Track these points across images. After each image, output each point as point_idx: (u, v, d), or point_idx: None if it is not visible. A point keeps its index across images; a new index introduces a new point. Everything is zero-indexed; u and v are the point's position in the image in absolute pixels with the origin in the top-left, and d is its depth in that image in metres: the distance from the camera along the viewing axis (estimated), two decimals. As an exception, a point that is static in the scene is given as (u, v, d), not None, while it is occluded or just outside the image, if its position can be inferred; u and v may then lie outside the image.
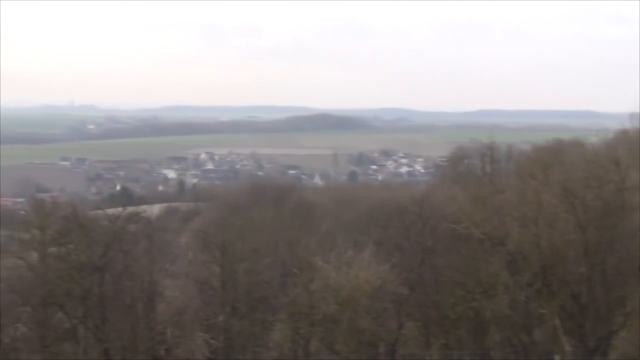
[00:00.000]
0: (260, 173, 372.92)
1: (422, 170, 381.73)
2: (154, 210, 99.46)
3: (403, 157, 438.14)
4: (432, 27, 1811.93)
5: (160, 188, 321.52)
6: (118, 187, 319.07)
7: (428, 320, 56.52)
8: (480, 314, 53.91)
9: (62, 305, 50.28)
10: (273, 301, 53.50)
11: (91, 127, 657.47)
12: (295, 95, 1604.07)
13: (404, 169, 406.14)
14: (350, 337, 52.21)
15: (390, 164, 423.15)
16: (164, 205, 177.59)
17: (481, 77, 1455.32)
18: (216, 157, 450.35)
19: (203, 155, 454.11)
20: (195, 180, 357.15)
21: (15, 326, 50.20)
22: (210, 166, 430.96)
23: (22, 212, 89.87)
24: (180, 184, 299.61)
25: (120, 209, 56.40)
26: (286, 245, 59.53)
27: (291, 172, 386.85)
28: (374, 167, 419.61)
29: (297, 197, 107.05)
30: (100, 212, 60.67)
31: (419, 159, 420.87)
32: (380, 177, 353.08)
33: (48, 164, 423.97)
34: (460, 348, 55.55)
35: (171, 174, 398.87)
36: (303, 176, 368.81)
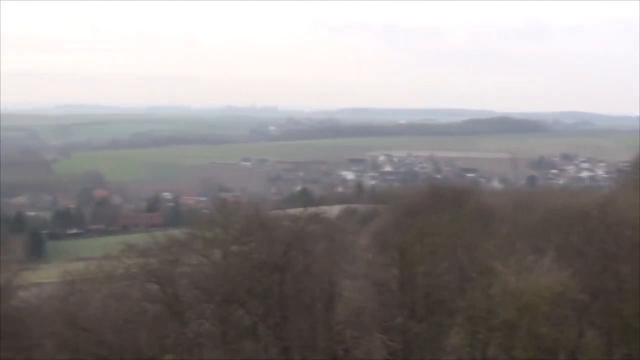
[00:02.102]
0: (438, 176, 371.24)
1: (604, 175, 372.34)
2: (333, 211, 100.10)
3: (584, 162, 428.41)
4: (614, 27, 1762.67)
5: (339, 189, 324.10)
6: (298, 188, 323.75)
7: (610, 328, 54.98)
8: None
9: (244, 303, 51.18)
10: (451, 305, 53.03)
11: (272, 128, 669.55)
12: (474, 98, 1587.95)
13: (585, 174, 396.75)
14: (529, 343, 51.25)
15: (571, 168, 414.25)
16: (343, 206, 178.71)
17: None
18: (394, 159, 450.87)
19: (381, 158, 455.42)
20: (373, 182, 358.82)
21: (198, 322, 51.39)
22: (388, 168, 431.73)
23: (205, 211, 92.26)
24: (359, 185, 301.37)
25: (300, 210, 57.04)
26: (465, 248, 58.87)
27: (469, 175, 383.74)
28: (554, 171, 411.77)
29: (475, 201, 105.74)
30: (280, 212, 61.42)
31: (601, 164, 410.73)
32: (560, 182, 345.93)
33: (230, 164, 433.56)
34: (644, 358, 53.83)
35: (349, 175, 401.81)
36: (481, 179, 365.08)
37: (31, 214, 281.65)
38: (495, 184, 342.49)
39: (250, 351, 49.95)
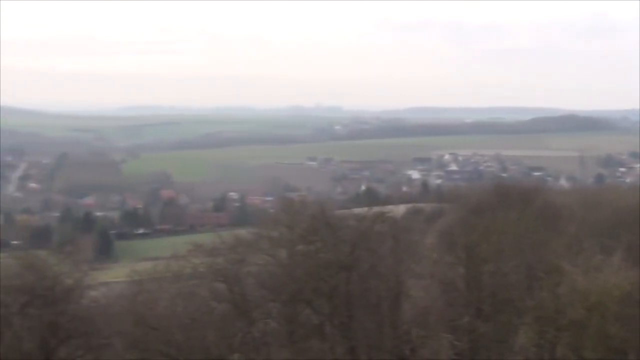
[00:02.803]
0: (504, 174, 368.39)
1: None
2: (399, 210, 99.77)
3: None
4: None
5: (405, 188, 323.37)
6: (363, 187, 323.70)
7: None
8: None
9: (310, 302, 51.32)
10: (518, 304, 52.62)
11: (337, 128, 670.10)
12: (540, 96, 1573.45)
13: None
14: (598, 343, 50.65)
15: (639, 167, 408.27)
16: (409, 205, 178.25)
17: None
18: (460, 158, 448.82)
19: (447, 157, 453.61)
20: (439, 181, 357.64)
21: (265, 321, 51.67)
22: (454, 167, 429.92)
23: (272, 211, 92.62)
24: (424, 184, 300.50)
25: (366, 209, 57.04)
26: (532, 247, 58.38)
27: (536, 173, 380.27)
28: (622, 169, 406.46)
29: (542, 199, 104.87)
30: (346, 211, 61.52)
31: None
32: (628, 180, 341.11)
33: (296, 164, 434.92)
34: None
35: (415, 174, 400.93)
36: (548, 178, 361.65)
37: (100, 214, 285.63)
38: (563, 183, 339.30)
39: (316, 350, 50.06)
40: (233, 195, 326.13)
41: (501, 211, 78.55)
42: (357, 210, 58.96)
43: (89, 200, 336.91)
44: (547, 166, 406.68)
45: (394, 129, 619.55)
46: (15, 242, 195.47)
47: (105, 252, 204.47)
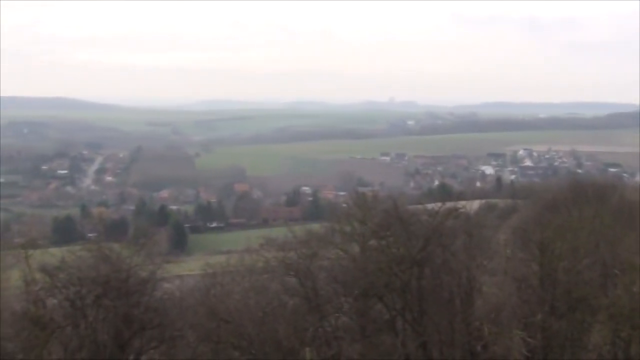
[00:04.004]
0: (579, 171, 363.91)
1: None
2: (472, 206, 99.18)
3: None
4: None
5: (478, 184, 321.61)
6: (436, 183, 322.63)
7: None
8: None
9: (382, 297, 51.23)
10: (593, 302, 51.93)
11: (410, 123, 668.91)
12: (617, 92, 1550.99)
13: None
14: (674, 342, 49.89)
15: None
16: (482, 201, 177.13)
17: None
18: (534, 154, 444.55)
19: (521, 152, 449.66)
20: (513, 177, 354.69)
21: (337, 316, 51.74)
22: (528, 163, 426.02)
23: (344, 205, 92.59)
24: (498, 180, 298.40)
25: (439, 204, 56.73)
26: (607, 245, 57.63)
27: (612, 170, 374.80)
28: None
29: (618, 196, 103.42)
30: (419, 206, 61.22)
31: None
32: None
33: (369, 158, 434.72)
34: None
35: (489, 170, 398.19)
36: (624, 175, 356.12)
37: (174, 207, 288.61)
38: (639, 179, 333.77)
39: (388, 345, 49.99)
40: (306, 189, 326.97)
41: (576, 208, 77.74)
42: (430, 206, 58.48)
43: (164, 193, 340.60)
44: (624, 162, 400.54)
45: (468, 124, 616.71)
46: (91, 234, 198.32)
47: (179, 245, 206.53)
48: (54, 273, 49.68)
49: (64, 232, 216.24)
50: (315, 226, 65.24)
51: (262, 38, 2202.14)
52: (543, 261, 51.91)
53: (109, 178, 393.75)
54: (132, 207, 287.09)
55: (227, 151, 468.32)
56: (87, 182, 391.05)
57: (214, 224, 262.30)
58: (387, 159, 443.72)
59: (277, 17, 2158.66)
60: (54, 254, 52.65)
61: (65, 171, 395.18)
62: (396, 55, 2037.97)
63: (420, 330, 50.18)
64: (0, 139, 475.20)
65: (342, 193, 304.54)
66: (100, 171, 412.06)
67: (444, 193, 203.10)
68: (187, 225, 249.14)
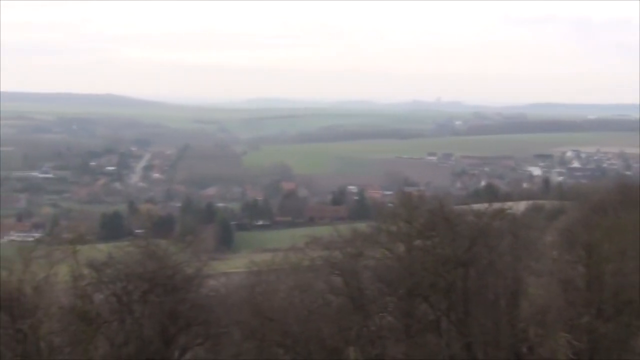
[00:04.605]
0: (627, 172, 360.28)
1: None
2: (519, 207, 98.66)
3: None
4: None
5: (525, 185, 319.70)
6: (483, 183, 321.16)
7: None
8: None
9: (427, 297, 51.13)
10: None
11: (458, 123, 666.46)
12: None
13: None
14: None
15: None
16: (529, 202, 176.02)
17: None
18: (583, 156, 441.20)
19: (569, 153, 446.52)
20: (560, 178, 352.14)
21: (381, 315, 51.72)
22: (576, 164, 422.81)
23: (390, 205, 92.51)
24: (545, 181, 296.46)
25: (485, 205, 56.50)
26: (655, 248, 57.07)
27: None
28: None
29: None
30: (465, 207, 60.95)
31: None
32: None
33: (415, 158, 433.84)
34: None
35: (536, 171, 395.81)
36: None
37: (221, 205, 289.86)
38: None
39: (432, 346, 49.90)
40: (352, 188, 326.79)
41: (624, 210, 76.96)
42: (476, 206, 58.27)
43: (211, 191, 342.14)
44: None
45: (515, 124, 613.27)
46: (138, 230, 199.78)
47: (225, 242, 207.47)
48: (102, 269, 50.11)
49: (112, 228, 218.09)
50: (361, 225, 65.05)
51: (310, 37, 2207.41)
52: (590, 263, 51.55)
53: (156, 175, 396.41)
54: (179, 204, 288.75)
55: (273, 149, 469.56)
56: (135, 178, 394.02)
57: (260, 222, 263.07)
58: (434, 159, 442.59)
59: (326, 16, 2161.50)
60: (102, 250, 53.14)
61: (114, 167, 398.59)
62: (444, 55, 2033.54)
63: (465, 331, 50.04)
64: (51, 135, 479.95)
65: (388, 192, 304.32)
66: (148, 168, 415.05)
67: (491, 194, 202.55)
68: (233, 222, 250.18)
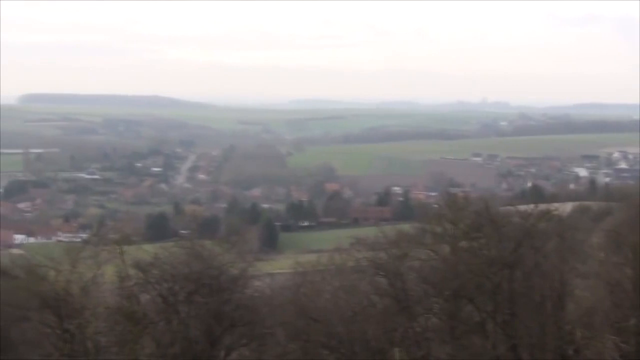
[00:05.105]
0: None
1: None
2: (565, 208, 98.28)
3: None
4: None
5: (571, 186, 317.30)
6: (529, 184, 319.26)
7: None
8: None
9: (472, 298, 50.93)
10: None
11: (503, 124, 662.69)
12: None
13: None
14: None
15: None
16: (576, 203, 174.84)
17: None
18: (630, 157, 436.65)
19: (616, 154, 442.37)
20: (607, 179, 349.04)
21: (426, 316, 51.62)
22: (623, 165, 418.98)
23: (435, 206, 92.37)
24: (592, 182, 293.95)
25: (531, 206, 56.19)
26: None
27: None
28: None
29: None
30: (511, 208, 60.66)
31: None
32: None
33: (460, 159, 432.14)
34: None
35: (582, 172, 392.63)
36: None
37: (266, 206, 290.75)
38: None
39: (478, 347, 49.69)
40: (396, 189, 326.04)
41: (673, 212, 76.18)
42: (522, 208, 57.96)
43: (256, 192, 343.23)
44: None
45: (561, 125, 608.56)
46: (183, 231, 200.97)
47: (270, 243, 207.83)
48: (148, 269, 50.50)
49: (157, 228, 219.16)
50: (406, 226, 65.16)
51: (354, 37, 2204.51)
52: (637, 265, 51.07)
53: (201, 176, 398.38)
54: (224, 205, 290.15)
55: (318, 150, 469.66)
56: (180, 179, 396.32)
57: (305, 223, 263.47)
58: (479, 159, 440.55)
59: (370, 16, 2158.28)
60: (148, 251, 53.53)
61: (159, 168, 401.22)
62: (489, 55, 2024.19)
63: (510, 332, 49.78)
64: (97, 136, 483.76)
65: (433, 193, 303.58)
66: (193, 169, 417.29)
67: (537, 195, 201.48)
68: (278, 223, 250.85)
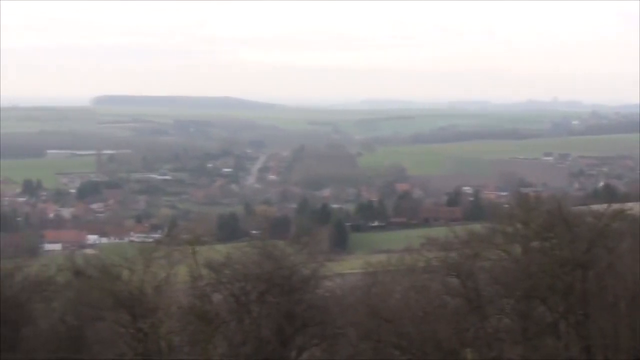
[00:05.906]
0: None
1: None
2: (638, 208, 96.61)
3: None
4: None
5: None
6: (601, 184, 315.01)
7: None
8: None
9: (545, 299, 50.57)
10: None
11: (575, 122, 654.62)
12: None
13: None
14: None
15: None
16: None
17: None
18: None
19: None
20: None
21: (498, 317, 51.35)
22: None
23: (506, 206, 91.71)
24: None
25: (604, 206, 55.60)
26: None
27: None
28: None
29: None
30: (583, 208, 60.10)
31: None
32: None
33: (531, 159, 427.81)
34: None
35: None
36: None
37: (336, 206, 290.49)
38: None
39: (550, 348, 49.28)
40: (467, 189, 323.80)
41: None
42: (595, 207, 57.39)
43: (326, 192, 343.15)
44: None
45: (635, 123, 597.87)
46: (254, 231, 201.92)
47: (340, 243, 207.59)
48: (220, 269, 50.98)
49: (229, 229, 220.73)
50: (477, 226, 64.62)
51: (425, 38, 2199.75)
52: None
53: (272, 176, 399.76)
54: (295, 206, 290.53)
55: (388, 150, 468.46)
56: (251, 180, 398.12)
57: (375, 223, 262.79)
58: (551, 159, 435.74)
59: (440, 16, 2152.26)
60: (220, 251, 54.02)
61: (230, 169, 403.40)
62: (560, 54, 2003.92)
63: (583, 333, 49.32)
64: (168, 137, 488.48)
65: (504, 193, 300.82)
66: (264, 170, 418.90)
67: (609, 194, 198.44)
68: (348, 223, 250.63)
